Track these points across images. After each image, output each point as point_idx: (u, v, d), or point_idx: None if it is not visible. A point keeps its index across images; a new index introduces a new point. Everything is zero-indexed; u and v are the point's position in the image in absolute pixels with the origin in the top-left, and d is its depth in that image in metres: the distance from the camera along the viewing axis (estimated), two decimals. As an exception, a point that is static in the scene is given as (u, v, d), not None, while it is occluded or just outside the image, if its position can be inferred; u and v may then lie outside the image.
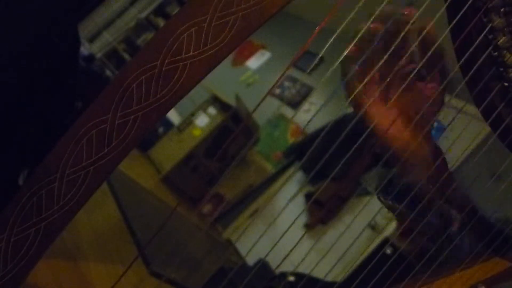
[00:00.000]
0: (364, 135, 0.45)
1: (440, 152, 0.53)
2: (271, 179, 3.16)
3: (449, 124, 0.47)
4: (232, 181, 2.96)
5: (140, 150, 3.34)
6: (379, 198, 0.53)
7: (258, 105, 0.41)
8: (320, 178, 0.54)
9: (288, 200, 0.45)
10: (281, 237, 0.44)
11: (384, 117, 0.52)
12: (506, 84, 0.43)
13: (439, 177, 0.50)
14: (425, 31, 0.45)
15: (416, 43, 0.45)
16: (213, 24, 0.32)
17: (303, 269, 0.47)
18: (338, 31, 0.42)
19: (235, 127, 3.36)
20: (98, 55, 4.12)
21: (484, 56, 0.43)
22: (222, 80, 3.33)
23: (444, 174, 0.51)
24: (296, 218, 0.49)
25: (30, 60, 0.60)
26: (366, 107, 0.50)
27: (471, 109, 0.46)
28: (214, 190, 2.97)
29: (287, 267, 0.50)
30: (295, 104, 3.57)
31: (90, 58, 3.66)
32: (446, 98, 0.49)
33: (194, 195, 3.18)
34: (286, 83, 3.80)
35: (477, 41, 0.42)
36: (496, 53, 0.43)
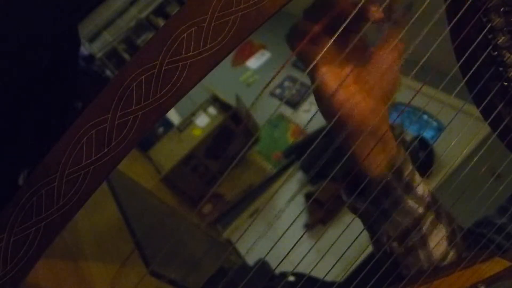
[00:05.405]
0: (362, 134, 0.45)
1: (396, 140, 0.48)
2: (271, 179, 3.16)
3: (448, 124, 0.47)
4: (232, 181, 2.96)
5: (140, 150, 3.34)
6: (340, 197, 0.49)
7: (254, 102, 0.41)
8: (320, 178, 0.54)
9: (288, 200, 0.45)
10: (281, 237, 0.44)
11: (337, 78, 0.43)
12: (505, 83, 0.44)
13: (394, 165, 0.46)
14: None
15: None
16: (212, 24, 0.32)
17: (303, 269, 0.47)
18: (338, 32, 0.42)
19: (235, 127, 3.36)
20: (98, 55, 4.11)
21: (483, 55, 0.43)
22: (222, 80, 3.33)
23: (400, 164, 0.47)
24: (296, 218, 0.49)
25: (30, 60, 0.60)
26: (317, 61, 0.42)
27: (471, 109, 0.46)
28: (214, 190, 2.97)
29: (287, 267, 0.50)
30: (295, 104, 3.57)
31: (90, 58, 3.66)
32: (446, 98, 0.46)
33: (194, 195, 3.18)
34: (286, 83, 3.80)
35: (477, 41, 0.42)
36: (495, 53, 0.43)
